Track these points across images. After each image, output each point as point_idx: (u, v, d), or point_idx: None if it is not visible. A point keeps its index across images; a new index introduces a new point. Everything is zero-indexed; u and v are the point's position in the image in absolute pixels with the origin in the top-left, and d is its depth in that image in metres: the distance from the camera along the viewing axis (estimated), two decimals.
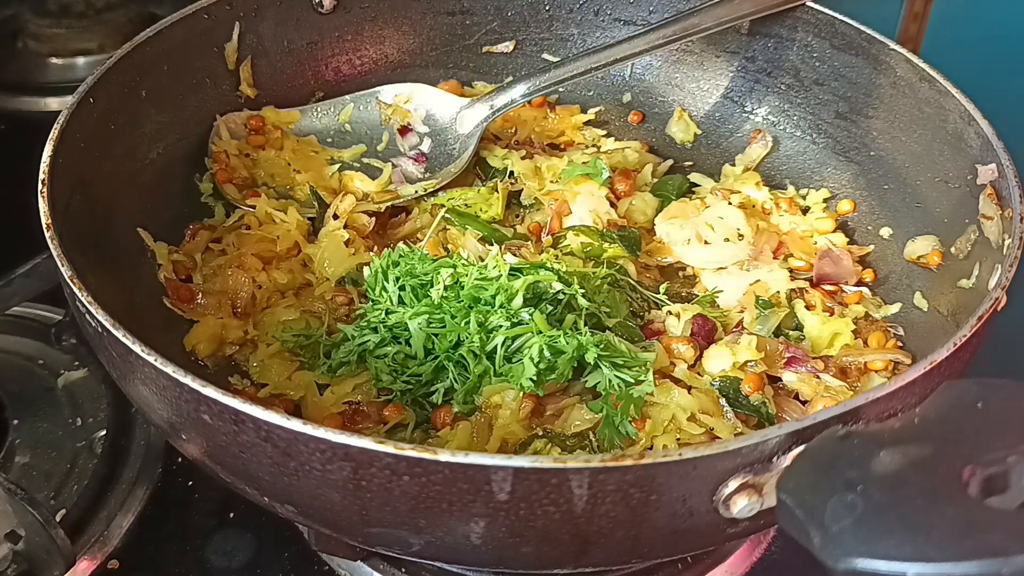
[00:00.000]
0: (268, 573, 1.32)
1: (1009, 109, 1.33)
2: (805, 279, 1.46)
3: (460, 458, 0.87)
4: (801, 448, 0.88)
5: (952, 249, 1.34)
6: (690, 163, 1.70)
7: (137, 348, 0.99)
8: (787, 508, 0.82)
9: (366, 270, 1.37)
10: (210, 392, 0.94)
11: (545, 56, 1.77)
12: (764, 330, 1.37)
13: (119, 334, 1.01)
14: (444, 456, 0.87)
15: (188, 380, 0.95)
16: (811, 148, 1.62)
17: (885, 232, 1.50)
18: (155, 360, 0.97)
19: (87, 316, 1.06)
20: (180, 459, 1.42)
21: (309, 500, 0.99)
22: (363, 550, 1.26)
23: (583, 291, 1.31)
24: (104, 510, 1.36)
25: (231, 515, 1.37)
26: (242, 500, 1.32)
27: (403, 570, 1.30)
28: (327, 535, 1.21)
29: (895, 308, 1.42)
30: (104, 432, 1.42)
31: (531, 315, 1.24)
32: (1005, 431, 0.82)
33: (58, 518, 1.29)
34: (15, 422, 1.43)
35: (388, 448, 0.88)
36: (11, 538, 1.25)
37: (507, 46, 1.76)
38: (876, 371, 1.32)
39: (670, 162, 1.68)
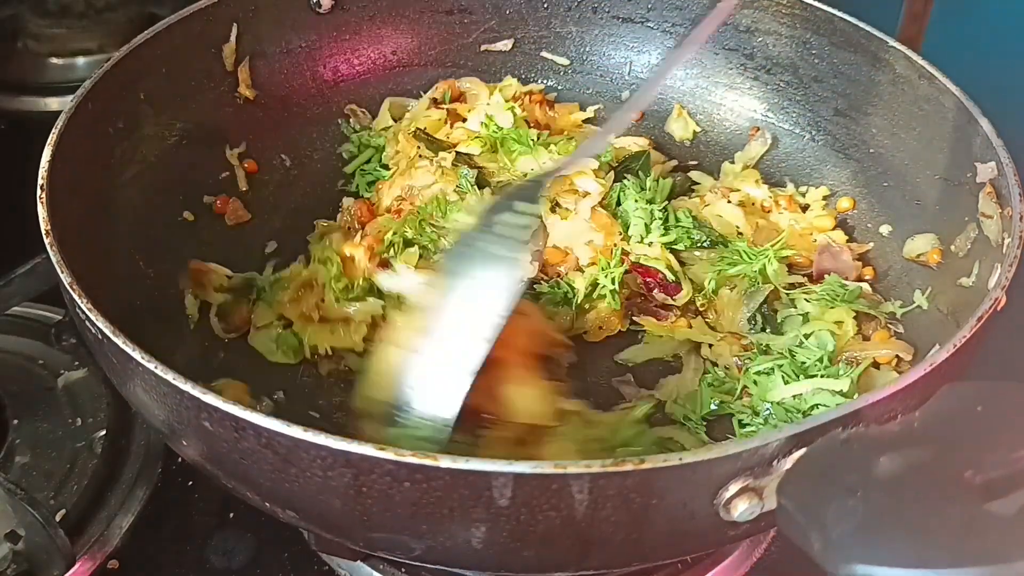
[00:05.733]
0: (268, 573, 1.32)
1: (1009, 109, 1.32)
2: (805, 275, 1.46)
3: (461, 464, 0.87)
4: (802, 452, 0.89)
5: (952, 247, 1.34)
6: (693, 161, 1.69)
7: (137, 355, 0.99)
8: (788, 513, 0.82)
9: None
10: (210, 399, 0.94)
11: (544, 54, 1.77)
12: (751, 305, 1.38)
13: (119, 341, 1.00)
14: (445, 462, 0.87)
15: (188, 387, 0.95)
16: (810, 145, 1.62)
17: (884, 230, 1.50)
18: (155, 367, 0.97)
19: (87, 323, 1.05)
20: (180, 459, 1.41)
21: (310, 506, 0.99)
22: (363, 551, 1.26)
23: None
24: (104, 510, 1.36)
25: (231, 515, 1.37)
26: (242, 500, 1.32)
27: (403, 570, 1.29)
28: (328, 538, 1.22)
29: (895, 306, 1.42)
30: (104, 432, 1.41)
31: None
32: (1006, 434, 0.82)
33: (58, 518, 1.29)
34: (15, 422, 1.42)
35: (388, 455, 0.88)
36: (11, 538, 1.25)
37: (505, 44, 1.76)
38: (883, 364, 1.33)
39: (674, 162, 1.67)
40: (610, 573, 1.25)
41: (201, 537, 1.35)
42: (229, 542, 1.35)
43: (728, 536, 0.99)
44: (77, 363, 1.49)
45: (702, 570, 1.30)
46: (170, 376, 0.96)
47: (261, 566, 1.33)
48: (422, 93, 1.71)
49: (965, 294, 1.28)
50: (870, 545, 0.75)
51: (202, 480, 1.40)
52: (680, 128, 1.71)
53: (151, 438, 1.44)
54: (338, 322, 1.39)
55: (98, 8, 2.16)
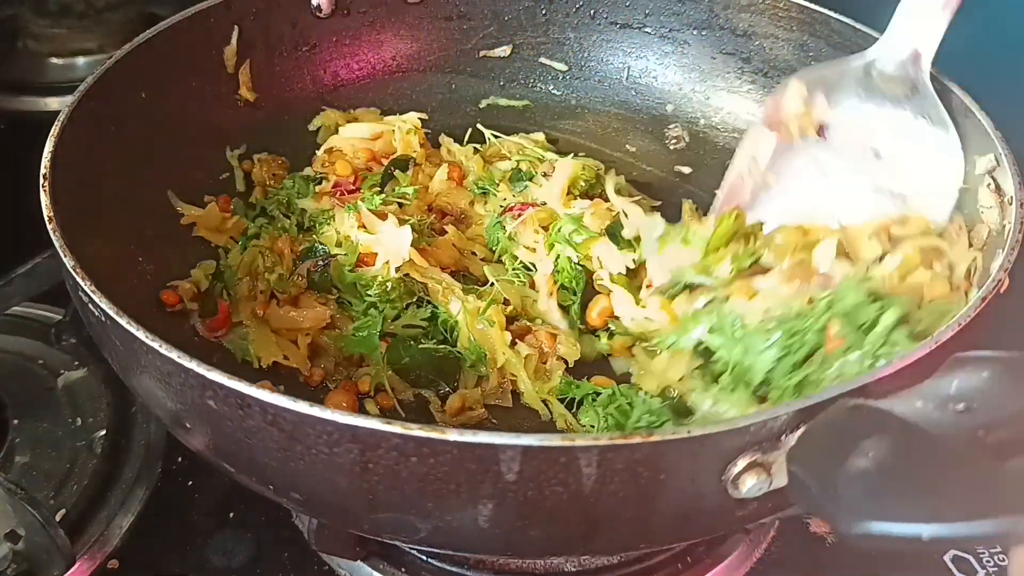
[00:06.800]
0: (268, 573, 1.31)
1: (1009, 109, 1.33)
2: None
3: (468, 437, 0.87)
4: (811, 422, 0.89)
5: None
6: (687, 168, 1.69)
7: (141, 335, 0.99)
8: (798, 479, 0.82)
9: None
10: (215, 376, 0.93)
11: (542, 60, 1.78)
12: None
13: (123, 321, 1.00)
14: (452, 436, 0.87)
15: (193, 365, 0.95)
16: None
17: None
18: (159, 346, 0.97)
19: (90, 306, 1.05)
20: (180, 459, 1.41)
21: (316, 486, 0.98)
22: (363, 549, 1.26)
23: None
24: (104, 510, 1.36)
25: (231, 515, 1.36)
26: (242, 500, 1.33)
27: (403, 570, 1.29)
28: (329, 532, 1.21)
29: None
30: (104, 432, 1.41)
31: None
32: (1013, 399, 0.82)
33: (58, 518, 1.29)
34: (15, 422, 1.42)
35: (395, 428, 0.88)
36: (11, 538, 1.25)
37: (504, 50, 1.77)
38: None
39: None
40: (610, 571, 1.26)
41: (201, 537, 1.34)
42: (229, 542, 1.34)
43: (736, 516, 0.98)
44: (77, 363, 1.49)
45: (702, 570, 1.30)
46: (174, 355, 0.96)
47: (261, 566, 1.32)
48: (423, 99, 1.74)
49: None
50: (883, 503, 0.75)
51: (202, 480, 1.39)
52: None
53: (151, 438, 1.44)
54: (283, 332, 1.38)
55: (98, 8, 2.17)
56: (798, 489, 0.83)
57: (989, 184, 1.27)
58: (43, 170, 1.20)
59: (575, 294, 1.42)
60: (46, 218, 1.14)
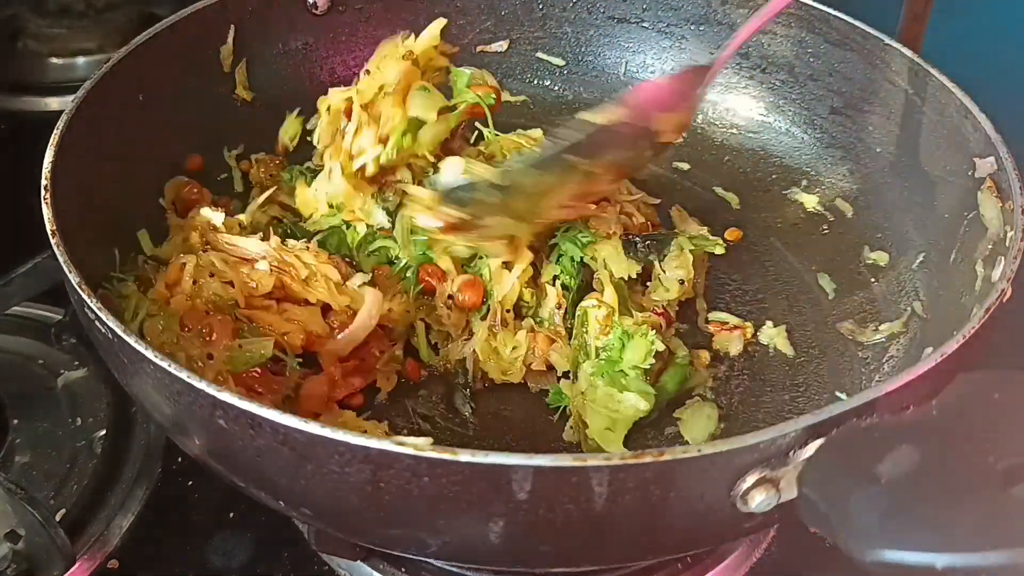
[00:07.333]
0: (268, 573, 1.31)
1: (1010, 110, 1.33)
2: None
3: (480, 458, 0.87)
4: (818, 442, 0.89)
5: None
6: (685, 164, 1.70)
7: (150, 354, 0.98)
8: (811, 503, 0.83)
9: None
10: (226, 397, 0.93)
11: (539, 55, 1.77)
12: None
13: (131, 340, 1.00)
14: (464, 457, 0.87)
15: (203, 385, 0.95)
16: (806, 144, 1.63)
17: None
18: (169, 366, 0.97)
19: (96, 323, 1.05)
20: (180, 459, 1.41)
21: (326, 502, 0.99)
22: (363, 549, 1.26)
23: None
24: (104, 510, 1.35)
25: (231, 515, 1.36)
26: (242, 500, 1.33)
27: (403, 569, 1.29)
28: (331, 535, 1.22)
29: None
30: (104, 432, 1.41)
31: None
32: None
33: (58, 518, 1.29)
34: (15, 422, 1.42)
35: (408, 450, 0.88)
36: (11, 538, 1.24)
37: (501, 45, 1.76)
38: None
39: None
40: (609, 571, 1.26)
41: (201, 537, 1.34)
42: (229, 542, 1.34)
43: (744, 528, 1.00)
44: (77, 363, 1.49)
45: (702, 570, 1.30)
46: (184, 374, 0.96)
47: (261, 566, 1.32)
48: None
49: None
50: (895, 531, 0.76)
51: (202, 480, 1.39)
52: None
53: (151, 438, 1.43)
54: None
55: (98, 8, 2.16)
56: (811, 514, 0.83)
57: (990, 188, 1.27)
58: (44, 181, 1.18)
59: (567, 290, 1.42)
60: (49, 232, 1.13)
